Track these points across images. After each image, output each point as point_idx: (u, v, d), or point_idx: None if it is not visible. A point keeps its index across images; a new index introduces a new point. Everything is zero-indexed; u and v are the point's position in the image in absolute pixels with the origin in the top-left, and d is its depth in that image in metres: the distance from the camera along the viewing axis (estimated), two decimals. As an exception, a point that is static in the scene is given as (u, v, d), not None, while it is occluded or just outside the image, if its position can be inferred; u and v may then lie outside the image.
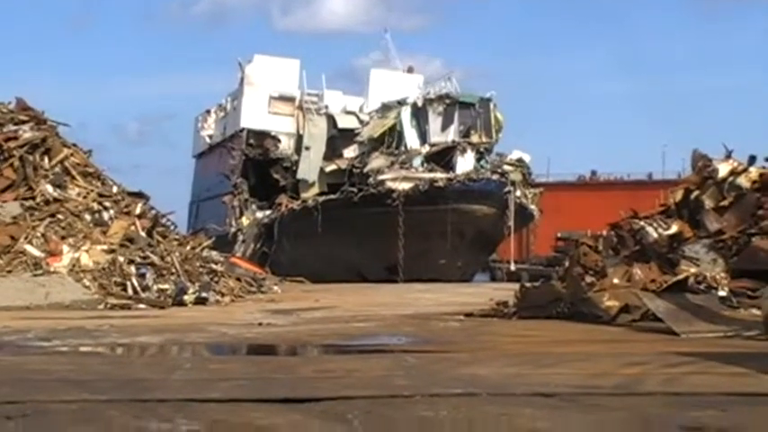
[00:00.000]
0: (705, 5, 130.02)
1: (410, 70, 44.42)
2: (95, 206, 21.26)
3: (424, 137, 38.43)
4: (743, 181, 15.89)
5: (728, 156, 16.51)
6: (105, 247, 19.87)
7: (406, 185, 36.00)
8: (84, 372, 8.58)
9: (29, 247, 19.51)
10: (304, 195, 40.11)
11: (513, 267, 41.23)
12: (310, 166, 40.96)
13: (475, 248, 36.90)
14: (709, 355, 9.31)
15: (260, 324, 14.46)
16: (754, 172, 16.02)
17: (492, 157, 38.84)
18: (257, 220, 40.59)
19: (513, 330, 13.02)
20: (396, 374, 8.22)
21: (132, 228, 21.01)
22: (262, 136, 42.62)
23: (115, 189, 22.70)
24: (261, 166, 42.59)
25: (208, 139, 48.71)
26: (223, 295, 21.03)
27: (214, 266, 23.28)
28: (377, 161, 38.01)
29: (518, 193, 37.25)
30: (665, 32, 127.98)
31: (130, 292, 18.86)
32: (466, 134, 38.29)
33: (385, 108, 39.85)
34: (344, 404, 6.57)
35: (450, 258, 35.64)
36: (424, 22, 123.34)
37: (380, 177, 36.83)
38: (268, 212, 40.52)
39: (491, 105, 39.16)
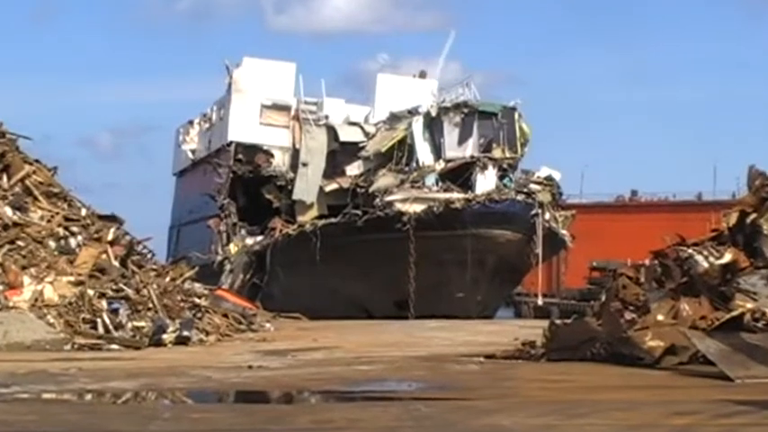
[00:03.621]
0: (759, 7, 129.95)
1: (422, 75, 44.46)
2: (61, 231, 21.32)
3: (438, 151, 38.46)
4: (807, 202, 15.90)
5: (790, 173, 16.53)
6: (72, 278, 19.91)
7: (418, 207, 36.00)
8: (48, 422, 8.60)
9: (-16, 279, 19.57)
10: (301, 219, 40.17)
11: (540, 302, 41.23)
12: (308, 185, 41.03)
13: (497, 280, 36.85)
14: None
15: (250, 367, 14.51)
16: (819, 192, 16.03)
17: (517, 174, 38.81)
18: (247, 248, 40.64)
19: (541, 374, 13.02)
20: (405, 425, 8.23)
21: (103, 256, 21.05)
22: (252, 150, 42.75)
23: (84, 212, 22.77)
24: (251, 185, 42.70)
25: (191, 154, 48.89)
26: (207, 334, 21.06)
27: (197, 300, 23.32)
28: (384, 179, 38.04)
29: (547, 215, 37.20)
30: (721, 38, 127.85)
31: (101, 330, 18.89)
32: (487, 148, 38.30)
33: (394, 118, 39.92)
34: (347, 460, 6.58)
35: (468, 291, 35.60)
36: (437, 20, 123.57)
37: (388, 198, 36.86)
38: (259, 238, 40.59)
39: (516, 115, 39.12)
